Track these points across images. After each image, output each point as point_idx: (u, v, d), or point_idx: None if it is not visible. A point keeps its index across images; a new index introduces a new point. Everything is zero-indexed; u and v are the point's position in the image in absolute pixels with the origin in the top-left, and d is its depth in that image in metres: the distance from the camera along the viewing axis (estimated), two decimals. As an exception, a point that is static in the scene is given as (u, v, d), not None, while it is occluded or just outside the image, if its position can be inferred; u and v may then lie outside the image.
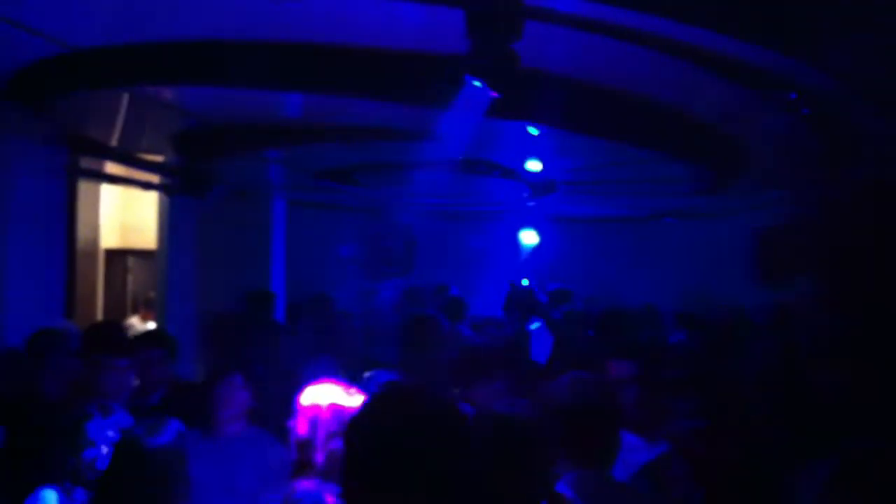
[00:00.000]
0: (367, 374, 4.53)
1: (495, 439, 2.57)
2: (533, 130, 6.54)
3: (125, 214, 11.47)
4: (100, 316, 10.75)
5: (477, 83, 4.47)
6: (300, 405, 3.44)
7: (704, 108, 6.07)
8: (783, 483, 3.45)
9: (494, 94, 4.58)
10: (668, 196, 10.66)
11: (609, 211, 13.02)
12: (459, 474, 1.87)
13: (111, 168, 9.15)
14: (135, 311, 11.11)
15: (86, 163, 8.67)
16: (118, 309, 11.25)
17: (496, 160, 8.71)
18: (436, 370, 4.41)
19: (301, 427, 3.34)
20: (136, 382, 5.05)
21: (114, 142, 7.96)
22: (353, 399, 3.28)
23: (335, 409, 3.27)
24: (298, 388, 4.77)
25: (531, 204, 11.72)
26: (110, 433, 3.61)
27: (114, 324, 6.72)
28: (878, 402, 3.96)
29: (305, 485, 3.12)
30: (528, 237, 14.28)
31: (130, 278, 11.70)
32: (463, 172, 8.63)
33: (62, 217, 7.05)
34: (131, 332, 6.59)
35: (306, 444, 3.30)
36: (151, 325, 9.99)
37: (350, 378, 3.92)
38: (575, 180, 9.77)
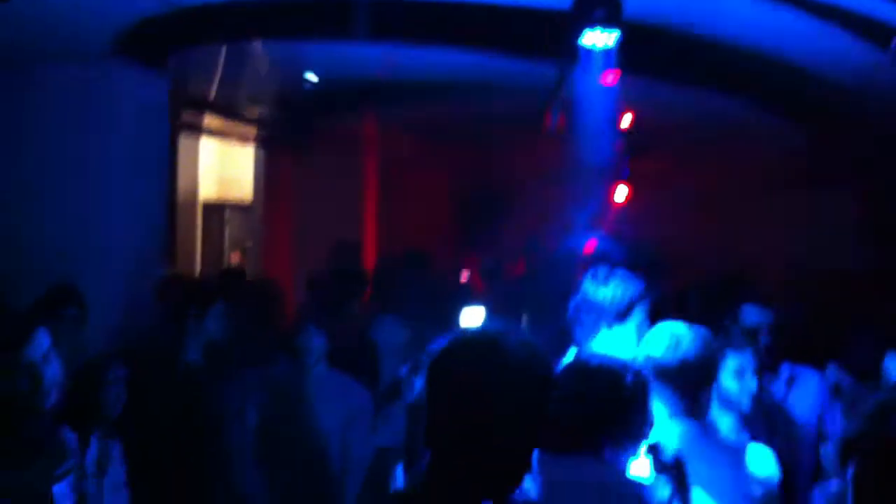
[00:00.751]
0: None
1: (591, 388, 2.61)
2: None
3: (223, 168, 11.65)
4: (198, 266, 10.99)
5: (581, 38, 4.38)
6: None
7: (821, 64, 5.82)
8: None
9: (598, 48, 4.49)
10: (773, 160, 10.33)
11: (708, 173, 12.69)
12: (541, 418, 1.83)
13: (210, 122, 9.28)
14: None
15: (186, 117, 8.81)
16: (216, 260, 11.48)
17: (594, 116, 8.53)
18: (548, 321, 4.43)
19: None
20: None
21: (213, 96, 8.06)
22: None
23: None
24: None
25: (626, 160, 11.48)
26: None
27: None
28: None
29: None
30: (621, 193, 13.99)
31: (227, 230, 11.90)
32: (556, 129, 8.47)
33: (164, 170, 7.18)
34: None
35: None
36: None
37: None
38: (675, 139, 9.54)
